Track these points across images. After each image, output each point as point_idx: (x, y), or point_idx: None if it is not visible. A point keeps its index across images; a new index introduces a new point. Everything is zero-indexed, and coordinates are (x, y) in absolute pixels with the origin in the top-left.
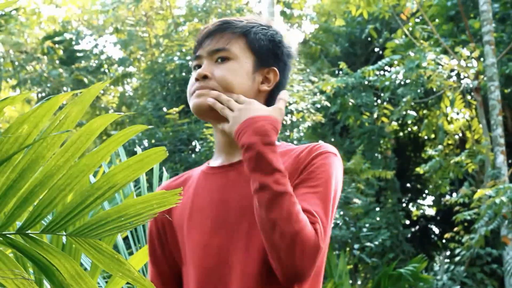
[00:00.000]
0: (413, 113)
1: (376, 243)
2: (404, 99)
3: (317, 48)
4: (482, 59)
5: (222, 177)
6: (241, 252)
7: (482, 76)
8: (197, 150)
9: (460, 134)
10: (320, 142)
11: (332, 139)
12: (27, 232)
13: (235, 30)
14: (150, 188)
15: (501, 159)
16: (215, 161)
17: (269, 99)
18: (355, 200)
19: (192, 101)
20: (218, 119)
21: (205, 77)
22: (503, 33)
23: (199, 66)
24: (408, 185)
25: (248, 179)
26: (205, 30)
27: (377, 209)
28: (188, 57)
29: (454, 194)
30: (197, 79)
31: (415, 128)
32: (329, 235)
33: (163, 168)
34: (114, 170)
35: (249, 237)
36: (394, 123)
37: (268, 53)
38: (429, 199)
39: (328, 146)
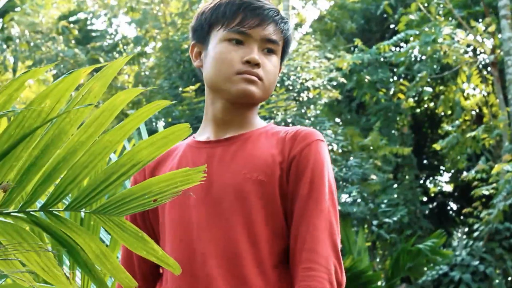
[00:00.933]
0: (430, 89)
1: (395, 219)
2: (420, 75)
3: (332, 25)
4: (498, 34)
5: (208, 152)
6: (220, 229)
7: (498, 51)
8: None
9: (477, 110)
10: (302, 127)
11: (349, 116)
12: (50, 209)
13: (286, 29)
14: None
15: None
16: (201, 136)
17: None
18: (373, 176)
19: (241, 85)
20: (248, 107)
21: (257, 64)
22: None
23: (238, 42)
24: (425, 161)
25: (234, 156)
26: (261, 10)
27: (395, 185)
28: None
29: (472, 170)
30: (248, 62)
31: (431, 104)
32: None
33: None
34: (138, 147)
35: (231, 215)
36: (411, 100)
37: (284, 56)
38: (446, 176)
39: (314, 132)
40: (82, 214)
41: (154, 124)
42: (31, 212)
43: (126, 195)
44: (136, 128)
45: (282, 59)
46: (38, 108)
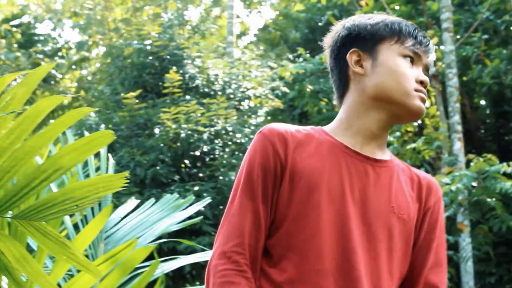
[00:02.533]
0: None
1: None
2: None
3: (276, 34)
4: (441, 46)
5: (360, 166)
6: (371, 253)
7: (440, 63)
8: (155, 134)
9: (420, 121)
10: (427, 175)
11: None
12: None
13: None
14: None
15: (458, 146)
16: (344, 137)
17: None
18: None
19: (418, 102)
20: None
21: (426, 87)
22: (461, 16)
23: (411, 60)
24: None
25: (384, 184)
26: (425, 37)
27: None
28: (146, 42)
29: None
30: (421, 82)
31: None
32: None
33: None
34: (60, 153)
35: (381, 244)
36: None
37: None
38: None
39: (439, 185)
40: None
41: (95, 130)
42: None
43: (48, 201)
44: (60, 134)
45: None
46: None
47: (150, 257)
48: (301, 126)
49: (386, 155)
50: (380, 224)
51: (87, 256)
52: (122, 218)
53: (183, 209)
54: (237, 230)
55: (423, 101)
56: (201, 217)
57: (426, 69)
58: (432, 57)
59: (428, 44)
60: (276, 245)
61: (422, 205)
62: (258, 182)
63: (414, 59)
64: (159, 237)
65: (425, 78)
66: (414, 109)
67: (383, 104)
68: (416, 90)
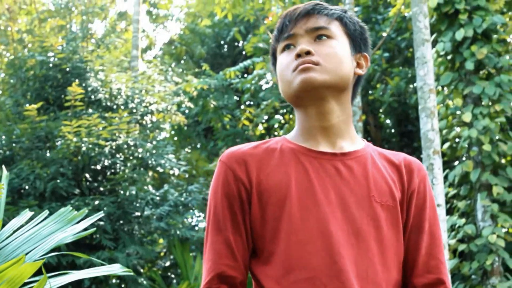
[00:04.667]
0: (279, 117)
1: None
2: (266, 103)
3: (182, 48)
4: None
5: (328, 164)
6: (361, 250)
7: None
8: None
9: None
10: (406, 155)
11: (197, 140)
12: None
13: (332, 12)
14: None
15: None
16: (307, 142)
17: (355, 86)
18: None
19: (298, 78)
20: (318, 99)
21: (308, 52)
22: None
23: (289, 46)
24: None
25: (359, 176)
26: (298, 10)
27: None
28: (49, 54)
29: None
30: (298, 55)
31: (281, 132)
32: None
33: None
34: None
35: (369, 238)
36: (260, 127)
37: (360, 38)
38: None
39: (422, 164)
40: None
41: None
42: None
43: None
44: None
45: (356, 43)
46: None
47: (50, 271)
48: (260, 141)
49: (356, 145)
50: (364, 216)
51: None
52: (14, 231)
53: (77, 223)
54: (211, 265)
55: (305, 70)
56: (94, 229)
57: (314, 30)
58: (312, 17)
59: (298, 14)
60: (261, 267)
61: (405, 188)
62: (224, 213)
63: (290, 43)
64: (54, 250)
65: (299, 48)
66: (297, 88)
67: (291, 103)
68: (294, 70)
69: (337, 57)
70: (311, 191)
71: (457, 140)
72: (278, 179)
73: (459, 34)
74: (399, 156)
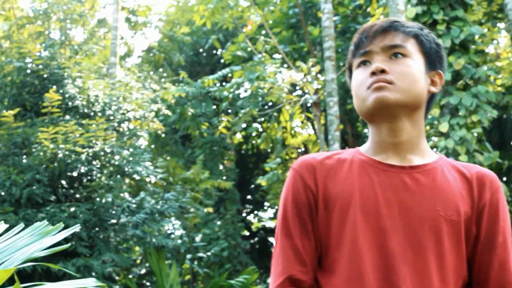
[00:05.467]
0: (257, 125)
1: (209, 253)
2: (243, 111)
3: (160, 56)
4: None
5: (396, 177)
6: (417, 263)
7: (322, 91)
8: (33, 153)
9: (303, 148)
10: (480, 168)
11: (174, 148)
12: None
13: (408, 30)
14: None
15: None
16: (377, 156)
17: (429, 103)
18: (192, 209)
19: (371, 96)
20: (390, 117)
21: (382, 71)
22: (343, 43)
23: (365, 62)
24: (249, 197)
25: (425, 189)
26: (375, 26)
27: (218, 220)
28: (27, 60)
29: None
30: (373, 73)
31: (259, 140)
32: None
33: None
34: None
35: (428, 252)
36: (238, 135)
37: (435, 56)
38: (271, 212)
39: (496, 177)
40: None
41: None
42: None
43: None
44: None
45: (431, 61)
46: None
47: (25, 278)
48: (336, 150)
49: (427, 158)
50: (425, 230)
51: None
52: None
53: (52, 236)
54: (282, 269)
55: (379, 88)
56: (69, 245)
57: (390, 48)
58: (389, 35)
59: (375, 31)
60: (324, 274)
61: (475, 202)
62: (293, 219)
63: (366, 60)
64: (29, 260)
65: (374, 66)
66: (371, 106)
67: (364, 119)
68: (369, 87)
69: (411, 76)
70: (374, 202)
71: (434, 150)
72: (344, 188)
73: None
74: (472, 169)
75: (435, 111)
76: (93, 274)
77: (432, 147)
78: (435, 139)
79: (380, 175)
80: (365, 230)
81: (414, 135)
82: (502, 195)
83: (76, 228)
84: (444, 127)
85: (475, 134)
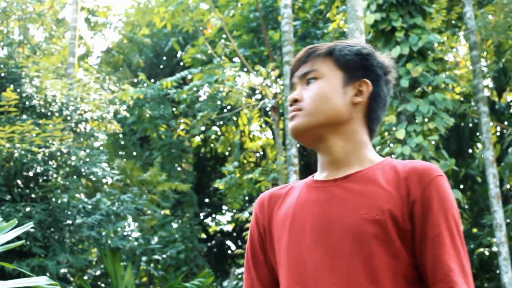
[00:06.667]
0: (216, 128)
1: (164, 256)
2: (201, 114)
3: (119, 57)
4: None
5: (325, 191)
6: (340, 271)
7: (280, 96)
8: None
9: (262, 152)
10: (418, 162)
11: (132, 149)
12: None
13: (320, 52)
14: None
15: (293, 178)
16: (320, 175)
17: (369, 111)
18: (148, 211)
19: (289, 126)
20: (314, 140)
21: (296, 100)
22: (302, 48)
23: (293, 85)
24: (207, 200)
25: (352, 196)
26: (295, 60)
27: (175, 222)
28: None
29: (245, 212)
30: (290, 105)
31: (217, 144)
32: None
33: None
34: None
35: (351, 257)
36: (197, 138)
37: (356, 66)
38: (229, 215)
39: (432, 168)
40: None
41: None
42: None
43: None
44: None
45: (352, 73)
46: None
47: None
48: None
49: (366, 165)
50: (349, 237)
51: None
52: None
53: (5, 233)
54: None
55: (292, 118)
56: (23, 241)
57: (303, 76)
58: (305, 64)
59: (294, 65)
60: None
61: (404, 198)
62: (248, 253)
63: (294, 84)
64: None
65: (290, 96)
66: (291, 135)
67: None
68: (289, 118)
69: (320, 96)
70: (303, 221)
71: (392, 156)
72: (283, 214)
73: (395, 52)
74: (407, 166)
75: (392, 118)
76: (48, 274)
77: (389, 154)
78: (392, 145)
79: (312, 193)
80: (292, 249)
81: (350, 148)
82: (438, 188)
83: (30, 225)
84: (400, 134)
85: (432, 142)
